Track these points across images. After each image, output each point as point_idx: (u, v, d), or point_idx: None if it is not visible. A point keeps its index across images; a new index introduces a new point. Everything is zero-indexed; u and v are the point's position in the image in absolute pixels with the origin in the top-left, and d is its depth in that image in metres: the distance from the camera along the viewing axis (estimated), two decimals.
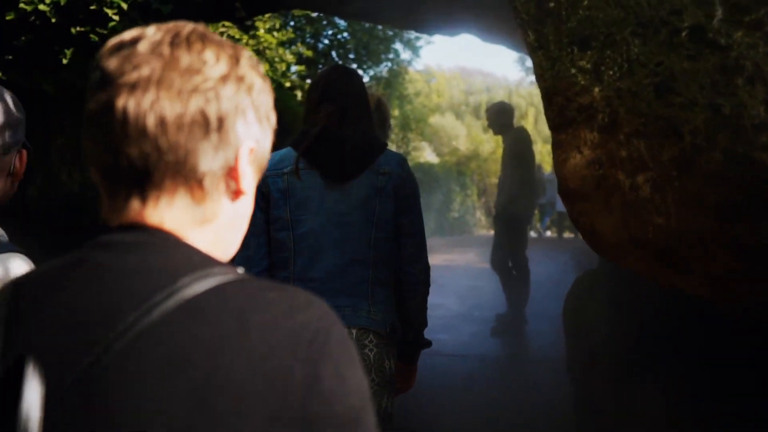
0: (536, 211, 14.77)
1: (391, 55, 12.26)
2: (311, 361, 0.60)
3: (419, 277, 2.01)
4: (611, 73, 1.60)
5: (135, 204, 0.67)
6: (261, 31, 9.56)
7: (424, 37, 13.41)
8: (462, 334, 5.74)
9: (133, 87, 0.64)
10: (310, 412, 0.58)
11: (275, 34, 9.94)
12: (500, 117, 5.88)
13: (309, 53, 10.14)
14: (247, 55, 0.72)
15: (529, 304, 6.10)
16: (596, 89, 1.63)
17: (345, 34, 11.32)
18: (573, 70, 1.66)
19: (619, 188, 1.61)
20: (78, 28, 5.69)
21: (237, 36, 9.50)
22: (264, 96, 0.73)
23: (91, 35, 5.67)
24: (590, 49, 1.62)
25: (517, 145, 5.78)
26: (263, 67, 0.78)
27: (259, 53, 9.72)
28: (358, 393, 0.63)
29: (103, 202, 0.69)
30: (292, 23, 10.99)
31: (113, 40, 0.68)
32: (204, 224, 0.69)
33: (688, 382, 2.56)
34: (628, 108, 1.57)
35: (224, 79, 0.67)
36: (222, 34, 9.70)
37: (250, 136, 0.70)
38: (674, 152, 1.51)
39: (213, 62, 0.67)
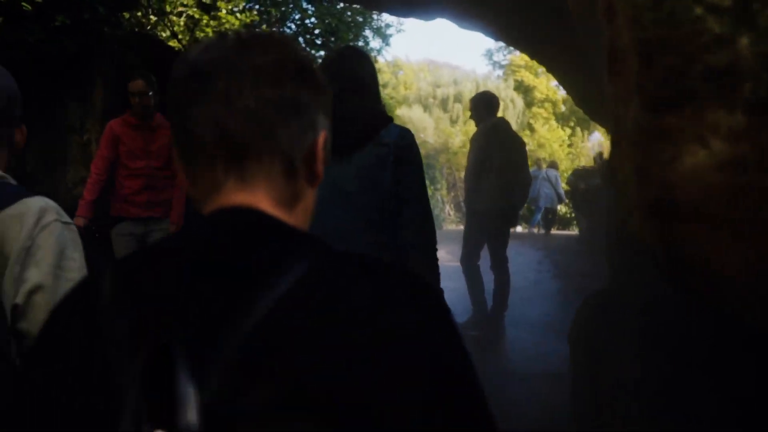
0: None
1: (360, 43, 11.49)
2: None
3: (415, 239, 2.08)
4: None
5: (232, 182, 0.69)
6: (223, 12, 8.69)
7: (394, 25, 12.72)
8: None
9: (232, 72, 0.68)
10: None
11: (238, 15, 9.11)
12: (484, 107, 5.20)
13: None
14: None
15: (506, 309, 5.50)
16: (743, 42, 0.93)
17: (312, 19, 10.52)
18: (698, 10, 0.96)
19: None
20: None
21: (197, 16, 8.62)
22: (330, 99, 0.78)
23: (23, 3, 4.82)
24: None
25: (510, 135, 5.12)
26: None
27: None
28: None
29: (196, 182, 0.71)
30: (256, 6, 10.15)
31: (196, 46, 0.72)
32: (291, 205, 0.72)
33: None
34: None
35: (308, 74, 0.73)
36: (181, 14, 8.81)
37: (325, 126, 0.76)
38: None
39: (298, 61, 0.72)
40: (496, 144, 5.01)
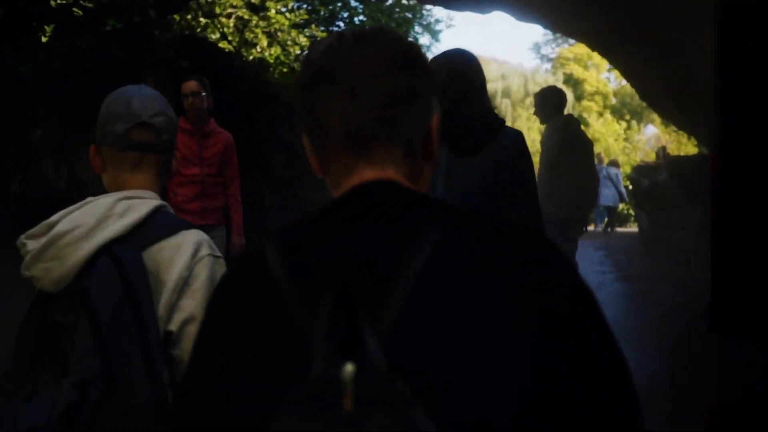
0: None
1: (409, 39, 11.20)
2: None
3: None
4: None
5: (362, 165, 0.75)
6: (272, 12, 8.52)
7: (444, 20, 12.41)
8: None
9: (353, 68, 0.74)
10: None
11: (287, 15, 8.93)
12: (553, 104, 4.71)
13: (323, 36, 9.11)
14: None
15: None
16: None
17: (361, 17, 10.28)
18: None
19: None
20: (59, 1, 4.70)
21: (246, 16, 8.47)
22: (436, 82, 0.83)
23: (75, 9, 4.69)
24: None
25: (579, 136, 4.70)
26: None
27: (271, 36, 8.67)
28: None
29: (329, 169, 0.78)
30: (305, 5, 9.97)
31: (316, 47, 0.78)
32: (415, 180, 0.78)
33: None
34: None
35: (419, 62, 0.78)
36: (230, 15, 8.67)
37: (437, 108, 0.81)
38: None
39: (409, 52, 0.78)
40: (568, 144, 4.60)
